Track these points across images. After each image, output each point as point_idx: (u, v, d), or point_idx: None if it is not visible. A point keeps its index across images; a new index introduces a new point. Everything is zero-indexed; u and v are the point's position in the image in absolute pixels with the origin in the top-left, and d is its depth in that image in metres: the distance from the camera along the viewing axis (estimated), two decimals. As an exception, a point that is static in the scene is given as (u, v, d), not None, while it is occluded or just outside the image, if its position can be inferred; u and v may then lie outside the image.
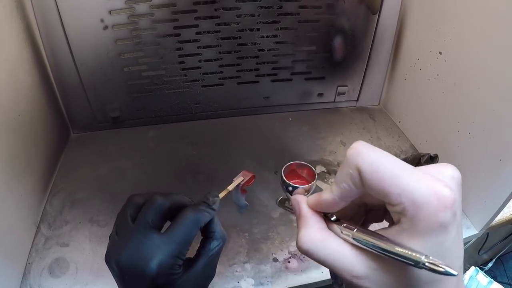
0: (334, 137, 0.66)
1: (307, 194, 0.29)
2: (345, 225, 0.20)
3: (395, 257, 0.16)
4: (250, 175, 0.35)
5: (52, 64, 0.56)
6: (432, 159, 0.53)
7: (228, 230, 0.48)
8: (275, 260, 0.45)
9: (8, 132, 0.44)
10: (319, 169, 0.58)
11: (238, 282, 0.43)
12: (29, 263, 0.44)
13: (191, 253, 0.30)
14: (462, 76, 0.51)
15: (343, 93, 0.71)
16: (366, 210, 0.23)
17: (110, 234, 0.29)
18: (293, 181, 0.31)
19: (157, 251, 0.25)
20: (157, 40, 0.57)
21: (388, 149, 0.63)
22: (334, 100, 0.72)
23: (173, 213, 0.29)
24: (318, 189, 0.51)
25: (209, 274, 0.30)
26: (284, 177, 0.30)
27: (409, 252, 0.16)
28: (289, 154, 0.61)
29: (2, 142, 0.42)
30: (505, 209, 0.49)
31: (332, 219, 0.21)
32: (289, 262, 0.45)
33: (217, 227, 0.31)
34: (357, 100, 0.74)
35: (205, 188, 0.54)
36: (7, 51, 0.46)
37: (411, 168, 0.17)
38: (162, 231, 0.28)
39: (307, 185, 0.29)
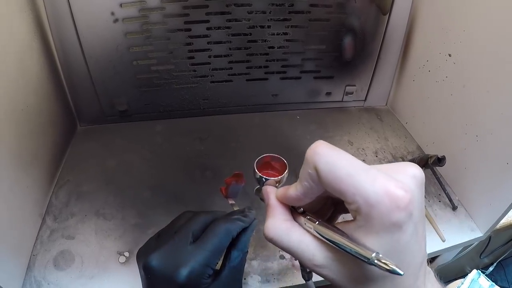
0: (342, 136, 0.66)
1: (278, 185, 0.29)
2: (308, 217, 0.21)
3: (348, 252, 0.17)
4: (235, 178, 0.37)
5: (61, 56, 0.56)
6: (439, 161, 0.53)
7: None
8: (282, 257, 0.45)
9: (17, 123, 0.44)
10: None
11: (244, 279, 0.42)
12: (33, 255, 0.43)
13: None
14: (471, 78, 0.51)
15: (351, 93, 0.70)
16: (334, 203, 0.24)
17: (151, 237, 0.29)
18: (265, 172, 0.32)
19: (189, 259, 0.26)
20: (167, 34, 0.56)
21: (395, 149, 0.63)
22: (342, 99, 0.72)
23: None
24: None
25: (237, 287, 0.30)
26: (256, 169, 0.31)
27: (360, 249, 0.17)
28: (296, 152, 0.61)
29: (10, 133, 0.42)
30: (510, 212, 0.49)
31: (299, 211, 0.22)
32: (295, 259, 0.45)
33: (244, 238, 0.30)
34: (364, 100, 0.74)
35: (213, 184, 0.54)
36: (17, 42, 0.45)
37: (367, 168, 0.18)
38: None
39: (277, 177, 0.30)
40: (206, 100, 0.66)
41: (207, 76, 0.63)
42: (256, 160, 0.31)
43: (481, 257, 0.84)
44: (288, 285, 0.43)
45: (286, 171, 0.31)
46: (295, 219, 0.22)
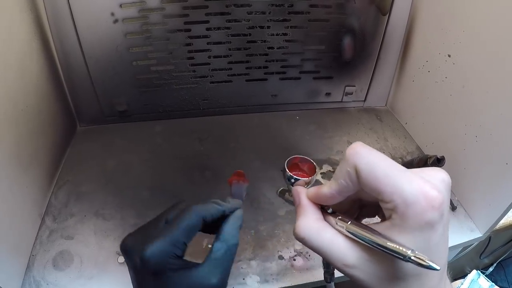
0: (341, 137, 0.66)
1: (307, 186, 0.30)
2: (340, 217, 0.21)
3: (385, 250, 0.18)
4: (236, 177, 0.38)
5: (61, 56, 0.56)
6: (439, 161, 0.52)
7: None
8: (281, 257, 0.45)
9: (16, 123, 0.44)
10: (325, 168, 0.58)
11: (243, 279, 0.42)
12: (33, 255, 0.44)
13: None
14: (471, 79, 0.51)
15: (351, 93, 0.71)
16: (360, 206, 0.24)
17: None
18: (295, 172, 0.32)
19: (155, 236, 0.26)
20: (167, 35, 0.56)
21: (394, 150, 0.63)
22: (342, 100, 0.72)
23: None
24: (318, 184, 0.51)
25: (214, 281, 0.27)
26: (287, 169, 0.31)
27: (398, 246, 0.17)
28: (296, 152, 0.60)
29: (10, 133, 0.42)
30: (509, 212, 0.49)
31: (329, 211, 0.22)
32: (294, 260, 0.45)
33: (227, 228, 0.29)
34: (364, 101, 0.74)
35: (212, 184, 0.54)
36: (17, 42, 0.45)
37: (404, 170, 0.19)
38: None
39: (307, 178, 0.31)
40: (205, 101, 0.66)
41: (206, 77, 0.63)
42: (287, 161, 0.32)
43: (481, 258, 0.83)
44: (287, 285, 0.43)
45: (316, 172, 0.31)
46: (325, 219, 0.22)
